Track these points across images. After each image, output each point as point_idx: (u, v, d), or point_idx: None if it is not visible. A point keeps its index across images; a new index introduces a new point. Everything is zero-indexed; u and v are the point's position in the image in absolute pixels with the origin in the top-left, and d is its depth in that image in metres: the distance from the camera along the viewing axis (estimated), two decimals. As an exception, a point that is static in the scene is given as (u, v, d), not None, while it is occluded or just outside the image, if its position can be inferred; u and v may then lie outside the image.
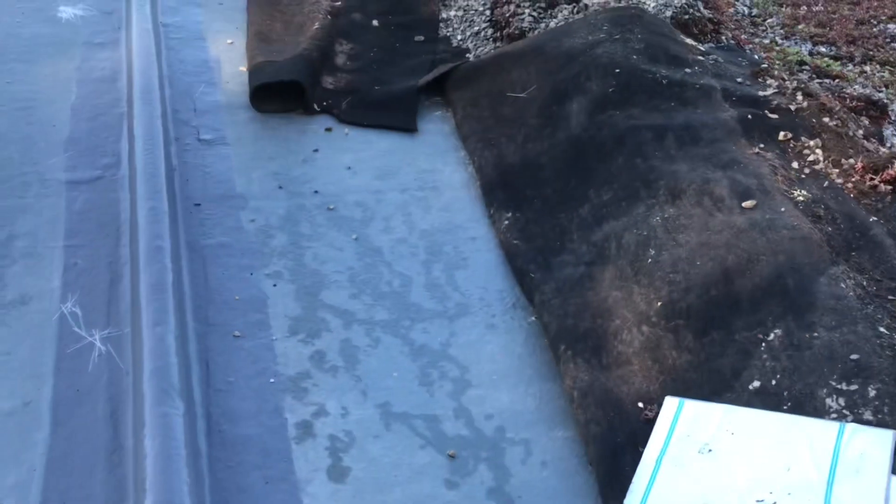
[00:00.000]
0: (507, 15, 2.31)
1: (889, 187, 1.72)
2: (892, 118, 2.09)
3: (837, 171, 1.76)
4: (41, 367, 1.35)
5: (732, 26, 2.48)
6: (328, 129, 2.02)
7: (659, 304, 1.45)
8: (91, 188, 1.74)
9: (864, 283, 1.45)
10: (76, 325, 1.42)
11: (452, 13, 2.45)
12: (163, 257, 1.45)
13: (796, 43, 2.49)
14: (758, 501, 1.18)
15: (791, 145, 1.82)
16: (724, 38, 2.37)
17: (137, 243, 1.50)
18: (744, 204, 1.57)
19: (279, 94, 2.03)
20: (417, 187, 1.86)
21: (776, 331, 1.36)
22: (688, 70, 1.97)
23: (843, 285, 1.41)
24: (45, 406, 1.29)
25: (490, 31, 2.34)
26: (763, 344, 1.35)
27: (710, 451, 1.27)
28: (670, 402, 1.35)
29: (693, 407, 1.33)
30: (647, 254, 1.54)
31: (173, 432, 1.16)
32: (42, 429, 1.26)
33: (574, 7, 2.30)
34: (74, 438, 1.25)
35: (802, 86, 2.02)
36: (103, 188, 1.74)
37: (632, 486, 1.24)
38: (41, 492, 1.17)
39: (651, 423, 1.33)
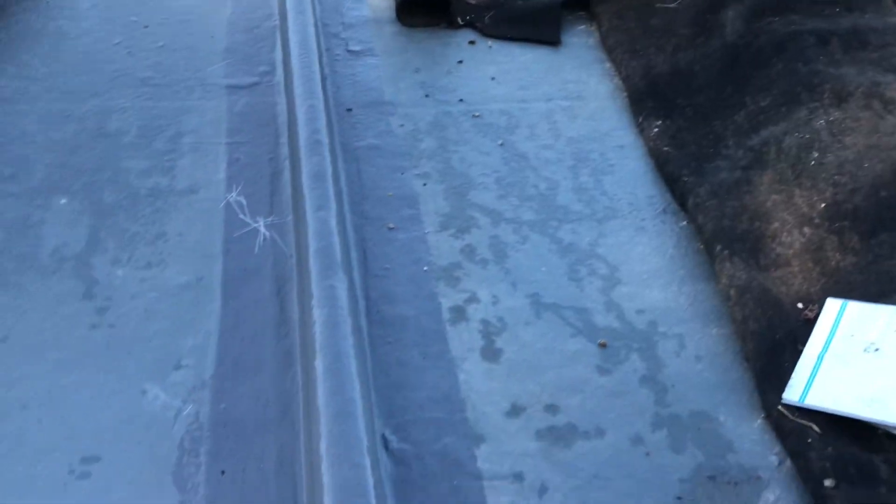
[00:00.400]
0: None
1: None
2: None
3: None
4: (211, 248, 1.43)
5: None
6: (472, 42, 2.02)
7: (822, 205, 1.40)
8: (249, 92, 1.81)
9: None
10: (241, 213, 1.50)
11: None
12: (322, 150, 1.50)
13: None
14: (931, 398, 1.13)
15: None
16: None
17: (297, 139, 1.55)
18: (917, 107, 1.48)
19: (424, 8, 2.06)
20: (562, 97, 1.85)
21: (953, 232, 1.29)
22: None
23: None
24: (217, 282, 1.37)
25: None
26: (938, 245, 1.29)
27: (876, 349, 1.22)
28: (832, 303, 1.30)
29: (857, 308, 1.28)
30: (809, 157, 1.48)
31: (338, 302, 1.21)
32: (214, 301, 1.34)
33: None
34: (244, 311, 1.32)
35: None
36: (261, 93, 1.81)
37: (791, 381, 1.21)
38: (216, 354, 1.25)
39: (811, 323, 1.29)
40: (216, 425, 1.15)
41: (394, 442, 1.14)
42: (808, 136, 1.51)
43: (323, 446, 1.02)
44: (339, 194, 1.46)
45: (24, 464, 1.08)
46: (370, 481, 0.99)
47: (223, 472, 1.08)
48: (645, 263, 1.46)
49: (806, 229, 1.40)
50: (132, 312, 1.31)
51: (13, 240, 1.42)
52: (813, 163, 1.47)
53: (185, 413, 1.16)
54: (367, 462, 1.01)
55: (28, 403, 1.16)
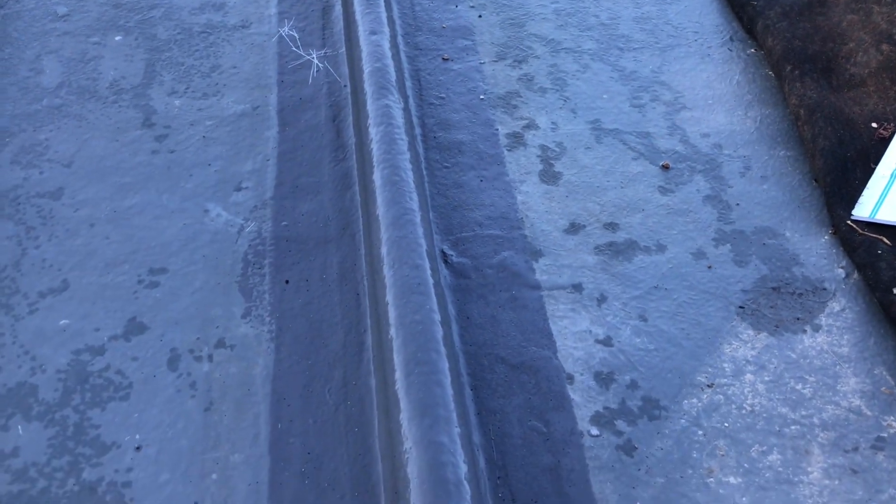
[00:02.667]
0: None
1: None
2: None
3: None
4: (266, 79, 1.42)
5: None
6: None
7: (903, 20, 1.32)
8: (298, -70, 1.76)
9: None
10: (294, 46, 1.47)
11: None
12: (374, -22, 1.45)
13: None
14: None
15: None
16: None
17: (348, -30, 1.51)
18: None
19: None
20: (625, -72, 1.75)
21: None
22: None
23: None
24: (273, 110, 1.36)
25: None
26: None
27: (955, 164, 1.17)
28: (910, 121, 1.24)
29: (937, 125, 1.22)
30: (891, -29, 1.39)
31: (394, 121, 1.20)
32: (271, 128, 1.33)
33: None
34: (301, 137, 1.32)
35: None
36: (310, -71, 1.76)
37: (861, 198, 1.17)
38: (275, 177, 1.25)
39: (885, 141, 1.24)
40: (278, 240, 1.16)
41: (453, 256, 1.14)
42: (890, -50, 1.41)
43: (384, 250, 1.03)
44: (391, 22, 1.43)
45: (95, 274, 1.12)
46: (430, 281, 0.99)
47: (287, 282, 1.10)
48: (710, 89, 1.40)
49: (884, 47, 1.32)
50: (191, 139, 1.32)
51: (73, 74, 1.43)
52: (895, -23, 1.37)
53: (247, 229, 1.17)
54: (427, 264, 1.01)
55: (95, 222, 1.19)
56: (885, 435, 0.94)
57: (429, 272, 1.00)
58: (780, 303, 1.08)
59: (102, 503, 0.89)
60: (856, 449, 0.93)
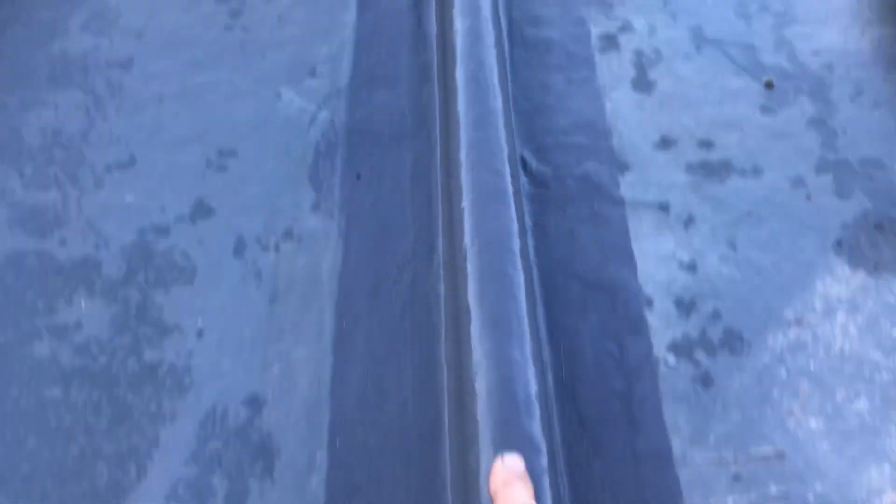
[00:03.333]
0: None
1: None
2: None
3: None
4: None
5: None
6: None
7: None
8: None
9: None
10: (378, -76, 1.38)
11: None
12: None
13: None
14: None
15: None
16: None
17: None
18: None
19: None
20: None
21: None
22: None
23: None
24: (352, -7, 1.29)
25: None
26: None
27: None
28: None
29: None
30: None
31: (482, 12, 1.12)
32: (350, 12, 1.26)
33: None
34: (380, 23, 1.24)
35: None
36: None
37: None
38: (352, 64, 1.19)
39: None
40: (351, 132, 1.11)
41: (533, 164, 1.08)
42: None
43: (462, 153, 0.97)
44: None
45: (162, 152, 1.08)
46: (510, 189, 0.94)
47: (359, 176, 1.06)
48: (825, 2, 1.28)
49: None
50: (266, 17, 1.25)
51: (145, -61, 1.36)
52: None
53: (320, 118, 1.12)
54: (508, 170, 0.96)
55: (164, 98, 1.15)
56: None
57: (509, 179, 0.95)
58: (882, 241, 1.00)
59: (162, 385, 0.88)
60: (951, 404, 0.87)
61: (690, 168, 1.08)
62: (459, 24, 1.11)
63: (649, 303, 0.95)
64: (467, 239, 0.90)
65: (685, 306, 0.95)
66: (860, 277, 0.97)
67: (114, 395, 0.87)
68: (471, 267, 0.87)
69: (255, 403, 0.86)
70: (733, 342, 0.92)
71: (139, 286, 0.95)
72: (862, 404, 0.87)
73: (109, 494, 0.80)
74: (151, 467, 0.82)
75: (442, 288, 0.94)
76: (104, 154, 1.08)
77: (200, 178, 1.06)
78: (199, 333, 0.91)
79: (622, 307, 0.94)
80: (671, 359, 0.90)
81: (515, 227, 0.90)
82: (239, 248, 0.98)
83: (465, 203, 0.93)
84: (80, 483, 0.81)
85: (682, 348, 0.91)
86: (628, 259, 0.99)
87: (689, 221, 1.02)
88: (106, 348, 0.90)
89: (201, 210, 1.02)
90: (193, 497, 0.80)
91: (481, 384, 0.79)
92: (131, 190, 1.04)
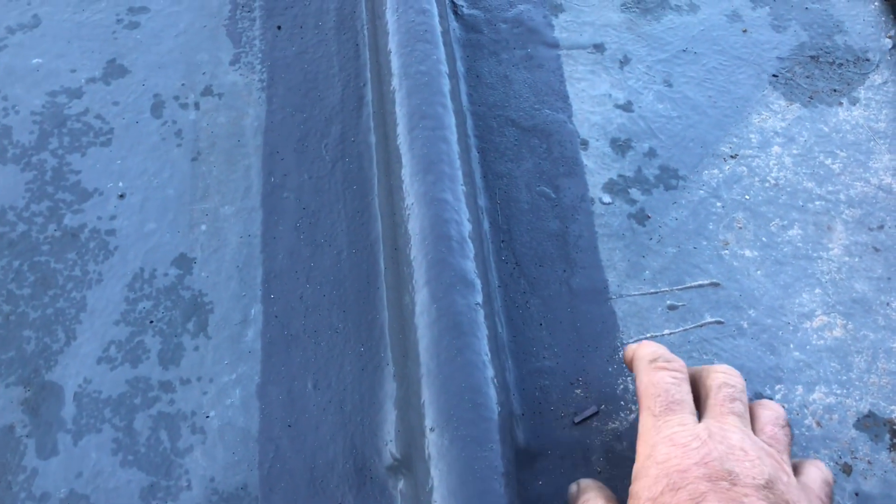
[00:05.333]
0: None
1: None
2: None
3: None
4: None
5: None
6: None
7: None
8: None
9: None
10: None
11: None
12: None
13: None
14: None
15: None
16: None
17: None
18: None
19: None
20: None
21: None
22: None
23: None
24: None
25: None
26: None
27: None
28: None
29: None
30: None
31: None
32: None
33: None
34: None
35: None
36: None
37: (922, -39, 1.04)
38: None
39: None
40: (269, -18, 1.04)
41: (464, 7, 1.03)
42: None
43: (387, -8, 0.92)
44: None
45: (69, 11, 1.01)
46: (437, 28, 0.90)
47: (279, 28, 1.00)
48: None
49: None
50: None
51: None
52: None
53: (235, -32, 1.05)
54: (435, 10, 0.91)
55: (67, -46, 1.06)
56: (914, 214, 0.89)
57: (437, 19, 0.90)
58: (818, 73, 0.99)
59: (86, 249, 0.85)
60: (881, 227, 0.88)
61: (626, 7, 1.05)
62: None
63: (585, 144, 0.93)
64: (395, 82, 0.86)
65: (620, 146, 0.93)
66: (795, 109, 0.97)
67: (36, 263, 0.84)
68: (399, 111, 0.84)
69: (184, 262, 0.84)
70: (669, 179, 0.91)
71: (54, 151, 0.91)
72: (795, 232, 0.88)
73: (39, 360, 0.78)
74: (81, 331, 0.80)
75: (373, 139, 0.91)
76: (5, 16, 1.01)
77: (111, 36, 0.99)
78: (121, 196, 0.88)
79: (557, 150, 0.93)
80: (607, 198, 0.90)
81: (445, 67, 0.87)
82: (157, 108, 0.94)
83: (392, 45, 0.89)
84: (7, 351, 0.79)
85: (617, 187, 0.90)
86: (563, 102, 0.96)
87: (624, 61, 1.00)
88: (23, 216, 0.86)
89: (114, 70, 0.96)
90: (126, 357, 0.78)
91: (413, 226, 0.77)
92: (37, 52, 0.98)
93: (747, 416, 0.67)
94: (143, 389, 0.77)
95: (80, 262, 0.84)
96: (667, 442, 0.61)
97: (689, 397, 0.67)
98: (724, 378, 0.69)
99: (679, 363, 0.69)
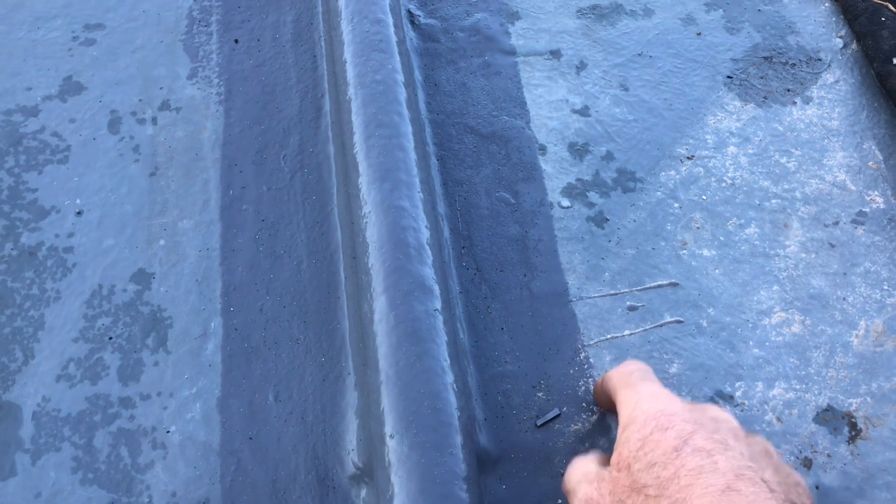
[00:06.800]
0: None
1: None
2: None
3: None
4: None
5: None
6: None
7: None
8: None
9: None
10: None
11: None
12: None
13: None
14: None
15: None
16: None
17: None
18: None
19: None
20: None
21: None
22: None
23: None
24: None
25: None
26: None
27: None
28: None
29: None
30: None
31: None
32: None
33: None
34: None
35: None
36: None
37: (870, -38, 1.06)
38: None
39: None
40: (226, -4, 1.05)
41: (420, 17, 1.04)
42: None
43: (341, 2, 0.93)
44: None
45: (24, 29, 1.01)
46: (393, 38, 0.90)
47: (236, 41, 1.00)
48: None
49: None
50: None
51: None
52: None
53: (191, -17, 1.05)
54: (390, 19, 0.92)
55: (21, -28, 1.06)
56: (868, 210, 0.90)
57: (392, 28, 0.91)
58: (771, 73, 1.01)
59: (43, 267, 0.84)
60: (836, 223, 0.89)
61: (581, 13, 1.06)
62: None
63: (543, 150, 0.94)
64: (351, 92, 0.86)
65: (578, 150, 0.94)
66: (750, 110, 0.98)
67: (-8, 282, 0.83)
68: (356, 120, 0.85)
69: (142, 278, 0.83)
70: (626, 181, 0.92)
71: (10, 170, 0.90)
72: (752, 230, 0.89)
73: (-4, 380, 0.77)
74: (39, 349, 0.79)
75: (331, 149, 0.91)
76: (-42, 36, 1.00)
77: (67, 53, 0.99)
78: (79, 213, 0.87)
79: (516, 156, 0.93)
80: (565, 202, 0.90)
81: (401, 76, 0.87)
82: (114, 124, 0.93)
83: (347, 55, 0.89)
84: (-37, 371, 0.78)
85: (576, 191, 0.91)
86: (521, 108, 0.97)
87: (580, 67, 1.01)
88: (-21, 235, 0.86)
89: (70, 87, 0.96)
90: (85, 374, 0.78)
91: (371, 234, 0.77)
92: (-8, 71, 0.97)
93: None
94: (103, 406, 0.77)
95: (38, 280, 0.83)
96: (650, 397, 0.64)
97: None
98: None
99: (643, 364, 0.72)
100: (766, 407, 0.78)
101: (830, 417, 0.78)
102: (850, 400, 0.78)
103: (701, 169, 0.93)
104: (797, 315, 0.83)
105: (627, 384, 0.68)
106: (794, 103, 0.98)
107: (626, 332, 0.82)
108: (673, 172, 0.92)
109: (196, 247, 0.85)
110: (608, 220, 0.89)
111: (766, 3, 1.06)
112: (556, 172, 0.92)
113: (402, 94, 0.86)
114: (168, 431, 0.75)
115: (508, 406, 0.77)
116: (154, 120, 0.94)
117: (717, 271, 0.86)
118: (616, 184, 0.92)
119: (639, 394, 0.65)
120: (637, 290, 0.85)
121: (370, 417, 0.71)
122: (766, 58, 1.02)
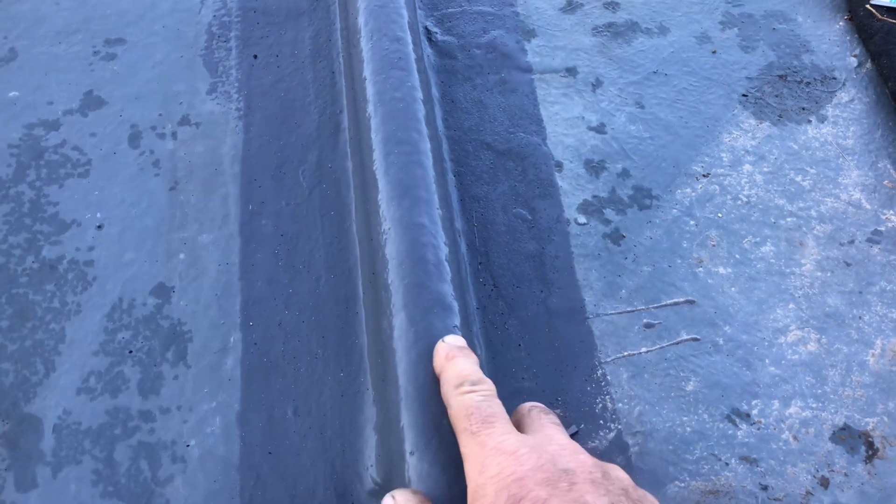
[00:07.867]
0: None
1: None
2: None
3: None
4: None
5: None
6: None
7: None
8: None
9: None
10: None
11: None
12: None
13: None
14: None
15: None
16: None
17: None
18: None
19: None
20: None
21: None
22: None
23: None
24: None
25: None
26: None
27: None
28: None
29: None
30: None
31: None
32: None
33: None
34: None
35: None
36: None
37: (885, -19, 1.07)
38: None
39: (917, -81, 1.11)
40: (245, 11, 1.06)
41: (438, 34, 1.05)
42: None
43: (360, 20, 0.94)
44: None
45: (45, 44, 1.02)
46: (412, 55, 0.91)
47: (255, 57, 1.01)
48: None
49: None
50: None
51: None
52: None
53: (211, -1, 1.07)
54: (409, 37, 0.92)
55: (43, -13, 1.07)
56: (883, 229, 0.90)
57: (411, 46, 0.92)
58: (786, 91, 1.01)
59: (64, 281, 0.85)
60: (851, 242, 0.90)
61: (597, 31, 1.06)
62: None
63: (559, 166, 0.94)
64: (370, 108, 0.87)
65: (594, 167, 0.94)
66: (765, 128, 0.98)
67: (14, 295, 0.84)
68: (375, 137, 0.85)
69: (162, 292, 0.84)
70: (642, 199, 0.92)
71: (31, 183, 0.91)
72: (768, 248, 0.89)
73: (18, 392, 0.78)
74: (60, 362, 0.80)
75: (350, 164, 0.92)
76: (-19, 50, 1.01)
77: (88, 68, 1.00)
78: (99, 227, 0.88)
79: (532, 172, 0.94)
80: (582, 218, 0.91)
81: (419, 94, 0.88)
82: (134, 138, 0.94)
83: (367, 72, 0.90)
84: (-15, 384, 0.78)
85: (592, 208, 0.91)
86: (537, 125, 0.98)
87: (596, 84, 1.01)
88: (1, 248, 0.86)
89: (91, 101, 0.97)
90: (106, 387, 0.78)
91: (391, 250, 0.78)
92: (14, 85, 0.98)
93: (562, 425, 0.68)
94: (123, 419, 0.77)
95: (59, 293, 0.84)
96: (495, 454, 0.58)
97: (503, 409, 0.63)
98: (530, 403, 0.71)
99: (487, 384, 0.65)
100: (782, 425, 0.78)
101: (847, 436, 0.78)
102: (867, 419, 0.79)
103: (716, 187, 0.93)
104: (813, 333, 0.84)
105: (467, 429, 0.61)
106: (809, 122, 0.98)
107: (643, 350, 0.82)
108: (689, 190, 0.93)
109: (216, 261, 0.86)
110: (624, 237, 0.89)
111: (781, 22, 1.07)
112: (572, 189, 0.93)
113: (421, 111, 0.87)
114: (188, 445, 0.76)
115: (526, 423, 0.77)
116: (174, 135, 0.95)
117: (733, 289, 0.86)
118: (632, 201, 0.92)
119: (482, 447, 0.59)
120: (653, 308, 0.85)
121: (389, 434, 0.71)
122: (780, 76, 1.02)
